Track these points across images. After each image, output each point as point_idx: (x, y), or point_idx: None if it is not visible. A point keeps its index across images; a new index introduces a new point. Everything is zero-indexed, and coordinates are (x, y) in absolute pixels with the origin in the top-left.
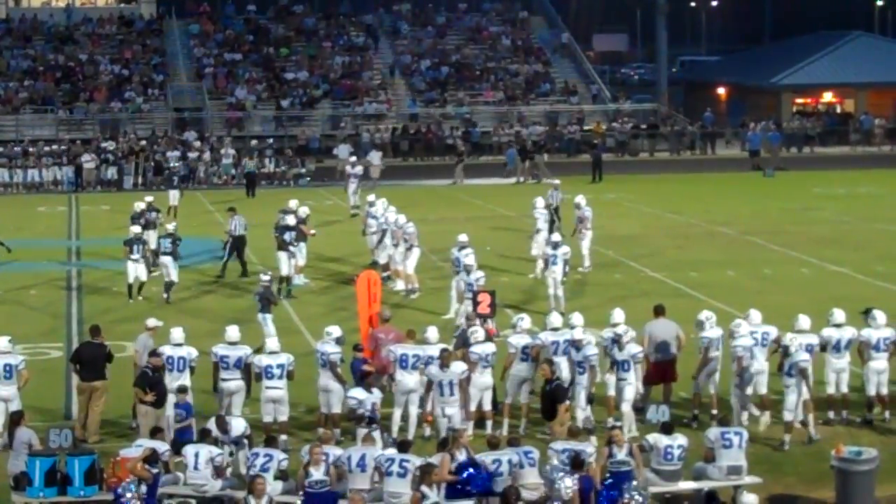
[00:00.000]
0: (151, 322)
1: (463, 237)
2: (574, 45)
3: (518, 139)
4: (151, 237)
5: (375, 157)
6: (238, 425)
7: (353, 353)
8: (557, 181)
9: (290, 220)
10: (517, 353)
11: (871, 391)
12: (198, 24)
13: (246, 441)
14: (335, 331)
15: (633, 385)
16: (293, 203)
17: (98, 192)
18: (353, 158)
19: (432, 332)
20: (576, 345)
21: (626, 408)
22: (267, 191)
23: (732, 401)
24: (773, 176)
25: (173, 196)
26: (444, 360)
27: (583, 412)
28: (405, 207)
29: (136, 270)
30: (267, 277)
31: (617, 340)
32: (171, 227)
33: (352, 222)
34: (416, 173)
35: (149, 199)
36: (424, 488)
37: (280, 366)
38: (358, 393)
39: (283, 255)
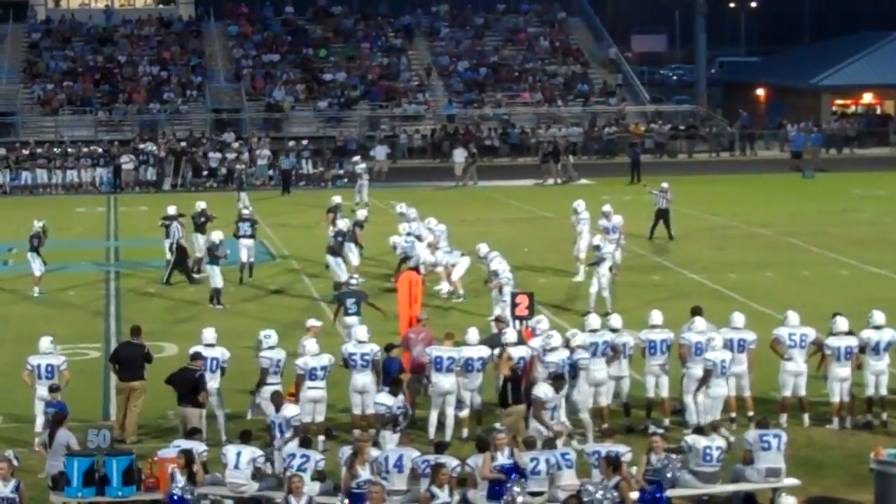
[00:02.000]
0: (311, 322)
1: (481, 248)
2: (620, 57)
3: (550, 141)
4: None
5: (459, 155)
6: (293, 409)
7: (385, 353)
8: (666, 184)
9: (343, 225)
10: (538, 356)
11: None
12: (236, 25)
13: (293, 429)
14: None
15: (583, 392)
16: (336, 198)
17: (136, 193)
18: (357, 158)
19: (473, 334)
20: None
21: (584, 416)
22: (304, 192)
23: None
24: (812, 177)
25: (244, 198)
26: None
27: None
28: (443, 208)
29: (217, 275)
30: (355, 280)
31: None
32: (247, 212)
33: (388, 224)
34: (454, 174)
35: (197, 205)
36: (434, 489)
37: (323, 367)
38: (385, 399)
39: (338, 261)
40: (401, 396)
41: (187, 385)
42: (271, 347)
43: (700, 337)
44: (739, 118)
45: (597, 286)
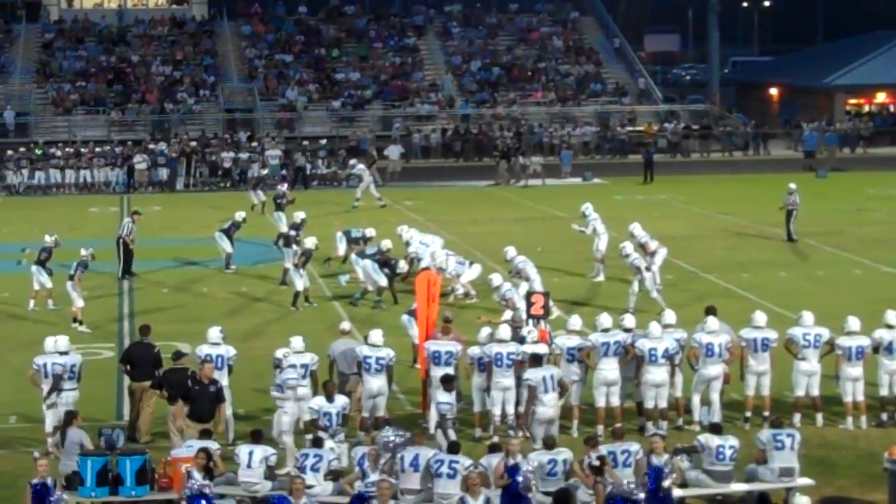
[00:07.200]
0: (345, 326)
1: (509, 251)
2: (626, 46)
3: (503, 142)
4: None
5: (537, 160)
6: (343, 399)
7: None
8: (793, 185)
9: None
10: (563, 355)
11: None
12: (249, 25)
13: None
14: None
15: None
16: (370, 231)
17: (150, 192)
18: (353, 161)
19: (484, 333)
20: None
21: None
22: (318, 191)
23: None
24: (826, 177)
25: (259, 195)
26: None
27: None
28: (456, 208)
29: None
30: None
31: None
32: (282, 188)
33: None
34: (468, 174)
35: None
36: (467, 496)
37: (304, 365)
38: (445, 397)
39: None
40: (454, 392)
41: (181, 385)
42: (65, 353)
43: (711, 337)
44: (735, 117)
45: (637, 288)
